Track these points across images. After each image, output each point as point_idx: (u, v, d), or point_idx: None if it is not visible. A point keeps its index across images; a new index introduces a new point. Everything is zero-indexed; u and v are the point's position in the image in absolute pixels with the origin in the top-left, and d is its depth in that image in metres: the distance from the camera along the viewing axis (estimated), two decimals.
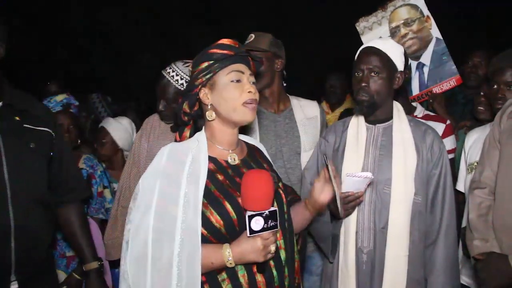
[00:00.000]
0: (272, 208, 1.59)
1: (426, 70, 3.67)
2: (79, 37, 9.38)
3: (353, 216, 2.19)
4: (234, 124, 1.78)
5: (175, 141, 1.88)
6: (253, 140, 2.05)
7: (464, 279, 2.68)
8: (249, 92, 1.72)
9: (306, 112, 2.79)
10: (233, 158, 1.80)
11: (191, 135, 1.85)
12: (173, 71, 2.59)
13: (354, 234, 2.19)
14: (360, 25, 3.79)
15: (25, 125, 2.06)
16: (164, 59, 2.71)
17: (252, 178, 1.58)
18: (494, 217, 2.13)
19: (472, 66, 3.63)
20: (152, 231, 1.60)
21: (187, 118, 1.85)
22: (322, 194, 1.87)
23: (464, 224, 2.54)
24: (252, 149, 1.95)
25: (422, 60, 3.67)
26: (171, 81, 2.56)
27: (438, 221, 2.17)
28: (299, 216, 1.92)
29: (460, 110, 3.65)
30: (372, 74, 2.17)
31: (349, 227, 2.20)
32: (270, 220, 1.58)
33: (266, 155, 2.02)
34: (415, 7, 3.65)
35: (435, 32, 3.61)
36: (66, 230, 2.38)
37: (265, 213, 1.57)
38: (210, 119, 1.77)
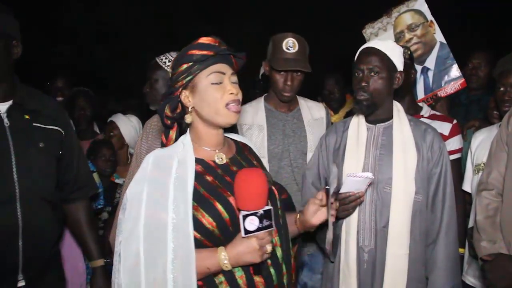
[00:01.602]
0: (267, 207, 1.55)
1: (430, 74, 3.67)
2: (81, 36, 9.40)
3: (354, 215, 2.18)
4: (218, 126, 1.75)
5: (162, 144, 1.83)
6: (241, 137, 2.02)
7: (470, 280, 2.67)
8: (230, 93, 1.68)
9: (313, 113, 2.79)
10: (221, 158, 1.76)
11: (177, 137, 1.80)
12: (165, 58, 2.64)
13: (355, 233, 2.18)
14: (367, 32, 3.82)
15: (34, 124, 2.08)
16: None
17: (245, 177, 1.55)
18: (502, 219, 2.12)
19: (472, 68, 3.69)
20: (144, 241, 1.56)
21: (170, 122, 1.79)
22: (315, 217, 1.84)
23: (471, 224, 2.53)
24: (241, 146, 1.92)
25: (426, 64, 3.67)
26: (160, 63, 2.61)
27: (438, 219, 2.17)
28: (290, 229, 1.86)
29: (463, 111, 3.66)
30: (372, 74, 2.17)
31: (350, 226, 2.19)
32: (265, 220, 1.54)
33: (255, 152, 1.99)
34: (419, 12, 3.67)
35: (439, 37, 3.62)
36: (73, 227, 2.40)
37: (260, 213, 1.53)
38: (188, 122, 1.73)
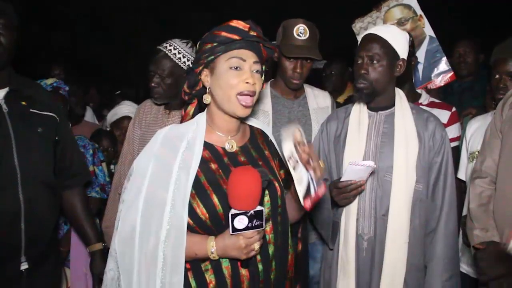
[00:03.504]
0: (258, 208, 1.54)
1: (420, 67, 3.71)
2: (78, 25, 9.30)
3: (354, 203, 2.17)
4: (227, 114, 1.73)
5: (182, 117, 1.85)
6: (259, 122, 2.00)
7: (464, 267, 2.70)
8: (246, 82, 1.65)
9: (318, 101, 2.78)
10: (231, 145, 1.76)
11: (194, 113, 1.82)
12: (170, 46, 2.56)
13: (354, 221, 2.17)
14: (356, 26, 3.83)
15: (31, 110, 2.11)
16: None
17: (238, 177, 1.53)
18: (495, 207, 2.14)
19: (459, 56, 3.86)
20: (141, 215, 1.62)
21: (187, 97, 1.81)
22: None
23: (465, 212, 2.55)
24: (255, 133, 1.90)
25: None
26: (169, 54, 2.53)
27: (438, 209, 2.17)
28: (291, 207, 1.86)
29: (456, 99, 3.72)
30: (372, 61, 2.16)
31: (350, 214, 2.18)
32: (255, 220, 1.54)
33: (271, 139, 1.96)
34: (408, 6, 3.71)
35: (428, 31, 3.66)
36: (70, 214, 2.42)
37: (250, 213, 1.53)
38: (206, 103, 1.74)
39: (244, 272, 1.64)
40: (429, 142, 2.18)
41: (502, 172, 2.12)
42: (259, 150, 1.84)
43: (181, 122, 1.84)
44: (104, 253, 2.36)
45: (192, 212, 1.62)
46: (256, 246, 1.58)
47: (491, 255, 2.05)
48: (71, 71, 4.51)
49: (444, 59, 3.62)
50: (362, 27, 3.80)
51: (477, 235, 2.14)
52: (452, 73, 3.62)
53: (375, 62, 2.15)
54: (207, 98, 1.72)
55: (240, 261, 1.62)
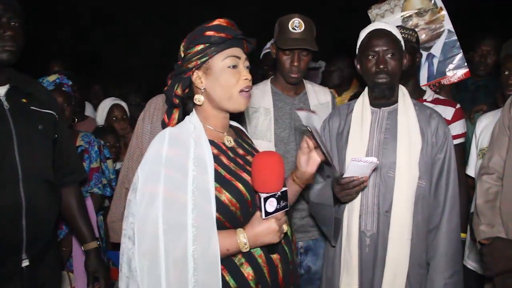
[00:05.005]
0: (284, 189, 1.60)
1: (435, 61, 3.62)
2: (80, 21, 9.37)
3: (357, 199, 2.17)
4: (226, 111, 1.76)
5: (163, 123, 1.81)
6: (233, 121, 2.03)
7: (472, 264, 2.69)
8: (245, 79, 1.70)
9: (319, 97, 2.79)
10: (229, 140, 1.80)
11: (179, 118, 1.80)
12: None
13: (357, 217, 2.18)
14: (372, 12, 3.74)
15: (32, 107, 2.12)
16: (165, 41, 2.69)
17: (265, 161, 1.58)
18: (502, 203, 2.11)
19: (481, 55, 3.65)
20: (162, 222, 1.53)
21: (178, 101, 1.78)
22: (309, 165, 1.86)
23: (473, 209, 2.52)
24: (237, 129, 1.96)
25: (432, 51, 3.63)
26: None
27: (441, 205, 2.16)
28: (289, 191, 1.85)
29: (469, 96, 3.64)
30: (388, 55, 2.16)
31: (353, 210, 2.19)
32: (281, 201, 1.59)
33: (247, 134, 2.04)
34: None
35: (447, 24, 3.57)
36: (65, 212, 2.43)
37: (278, 194, 1.58)
38: (198, 104, 1.73)
39: (275, 256, 1.68)
40: (432, 139, 2.17)
41: (509, 168, 2.10)
42: (247, 143, 1.91)
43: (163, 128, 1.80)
44: (99, 251, 2.43)
45: (221, 206, 1.60)
46: (285, 227, 1.63)
47: (496, 250, 2.03)
48: (71, 68, 4.53)
49: (461, 55, 3.52)
50: (379, 14, 3.72)
51: (483, 231, 2.11)
52: (467, 70, 3.53)
53: (391, 56, 2.16)
54: (200, 99, 1.72)
55: (268, 248, 1.65)
